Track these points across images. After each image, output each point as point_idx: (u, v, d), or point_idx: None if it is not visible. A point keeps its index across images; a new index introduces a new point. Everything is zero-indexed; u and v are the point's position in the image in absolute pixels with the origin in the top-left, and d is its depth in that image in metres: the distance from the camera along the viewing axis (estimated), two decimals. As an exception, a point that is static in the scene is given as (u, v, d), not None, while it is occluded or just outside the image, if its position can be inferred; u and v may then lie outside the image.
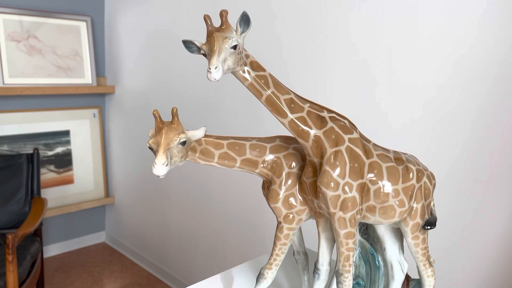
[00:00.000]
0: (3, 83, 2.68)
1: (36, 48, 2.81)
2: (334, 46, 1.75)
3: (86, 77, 3.02)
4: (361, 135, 0.85)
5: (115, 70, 3.09)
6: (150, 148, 0.80)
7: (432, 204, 0.92)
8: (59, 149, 3.02)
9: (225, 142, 0.87)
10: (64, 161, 3.05)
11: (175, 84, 2.57)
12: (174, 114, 0.80)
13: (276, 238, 0.92)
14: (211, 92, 2.33)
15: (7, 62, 2.70)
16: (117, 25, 3.01)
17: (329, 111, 0.84)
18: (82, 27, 3.00)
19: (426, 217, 0.89)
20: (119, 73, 3.06)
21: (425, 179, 0.89)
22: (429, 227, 0.89)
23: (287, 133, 0.87)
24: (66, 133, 3.05)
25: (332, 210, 0.82)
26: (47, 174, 2.97)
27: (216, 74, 0.71)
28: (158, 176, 0.76)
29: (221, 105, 2.29)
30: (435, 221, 0.89)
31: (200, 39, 0.79)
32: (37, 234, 2.40)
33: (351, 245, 0.84)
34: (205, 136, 0.86)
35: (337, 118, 0.83)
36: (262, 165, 0.90)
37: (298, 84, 1.85)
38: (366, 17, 1.64)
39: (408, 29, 1.53)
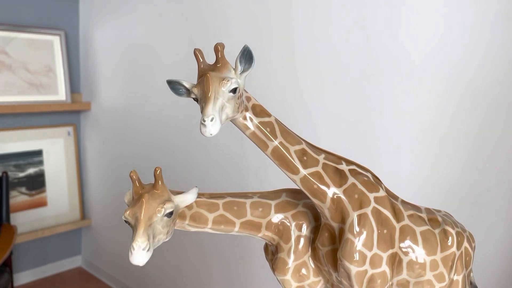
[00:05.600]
0: (-30, 102, 2.51)
1: (5, 64, 2.65)
2: (319, 64, 1.67)
3: (60, 94, 2.87)
4: (388, 191, 0.72)
5: (91, 86, 2.95)
6: (126, 222, 0.63)
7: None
8: (31, 170, 2.85)
9: (220, 202, 0.73)
10: (36, 183, 2.88)
11: (155, 99, 2.45)
12: (158, 176, 0.64)
13: None
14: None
15: (-26, 79, 2.53)
16: (93, 39, 2.87)
17: (348, 162, 0.70)
18: (56, 41, 2.85)
19: None
20: (96, 89, 2.91)
21: (465, 243, 0.75)
22: None
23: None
24: (39, 153, 2.88)
25: None
26: (18, 197, 2.79)
27: (213, 127, 0.57)
28: (138, 265, 0.60)
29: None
30: None
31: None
32: (7, 264, 2.23)
33: None
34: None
35: (359, 171, 0.70)
36: (266, 228, 0.74)
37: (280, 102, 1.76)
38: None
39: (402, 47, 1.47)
